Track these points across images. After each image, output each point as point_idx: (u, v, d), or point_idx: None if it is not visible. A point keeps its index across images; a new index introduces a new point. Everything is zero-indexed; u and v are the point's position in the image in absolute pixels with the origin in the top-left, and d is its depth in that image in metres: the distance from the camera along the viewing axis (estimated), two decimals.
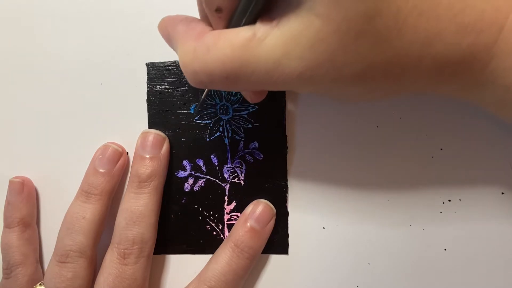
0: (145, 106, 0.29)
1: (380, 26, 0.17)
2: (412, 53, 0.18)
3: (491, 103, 0.20)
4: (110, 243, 0.26)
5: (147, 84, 0.29)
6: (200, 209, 0.28)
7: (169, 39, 0.22)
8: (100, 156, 0.28)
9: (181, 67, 0.20)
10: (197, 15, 0.22)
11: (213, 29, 0.20)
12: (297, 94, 0.28)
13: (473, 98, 0.21)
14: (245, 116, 0.28)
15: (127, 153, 0.29)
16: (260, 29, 0.18)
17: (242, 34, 0.18)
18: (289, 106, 0.28)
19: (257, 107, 0.28)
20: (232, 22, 0.19)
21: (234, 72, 0.18)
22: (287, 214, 0.28)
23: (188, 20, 0.21)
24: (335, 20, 0.16)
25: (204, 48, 0.19)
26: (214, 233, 0.28)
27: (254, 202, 0.27)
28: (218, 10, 0.19)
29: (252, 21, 0.19)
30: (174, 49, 0.22)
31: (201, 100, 0.27)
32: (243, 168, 0.28)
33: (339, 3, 0.16)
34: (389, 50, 0.17)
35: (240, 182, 0.28)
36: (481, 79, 0.19)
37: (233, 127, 0.28)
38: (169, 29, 0.22)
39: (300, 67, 0.17)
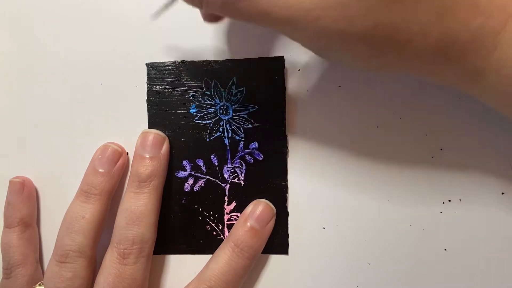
0: (145, 106, 0.29)
1: None
2: (423, 22, 0.17)
3: (493, 96, 0.20)
4: (110, 243, 0.26)
5: (147, 84, 0.29)
6: (200, 209, 0.28)
7: None
8: (100, 156, 0.28)
9: None
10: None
11: None
12: (297, 95, 0.28)
13: (475, 89, 0.20)
14: (245, 116, 0.28)
15: (127, 153, 0.29)
16: None
17: None
18: (289, 106, 0.28)
19: (257, 107, 0.28)
20: None
21: None
22: (287, 214, 0.28)
23: None
24: None
25: None
26: (214, 233, 0.28)
27: (254, 202, 0.27)
28: None
29: None
30: None
31: (160, 9, 0.25)
32: (243, 168, 0.28)
33: None
34: (403, 13, 0.17)
35: (240, 182, 0.28)
36: (485, 67, 0.18)
37: (233, 127, 0.28)
38: None
39: (310, 2, 0.17)
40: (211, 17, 0.24)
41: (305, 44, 0.20)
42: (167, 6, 0.24)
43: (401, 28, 0.17)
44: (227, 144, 0.28)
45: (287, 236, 0.28)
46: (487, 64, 0.18)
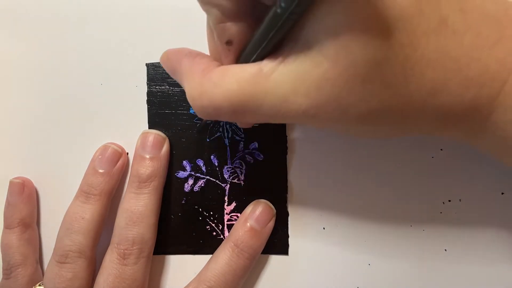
0: (145, 106, 0.29)
1: (387, 73, 0.17)
2: (416, 101, 0.18)
3: (491, 150, 0.21)
4: (110, 243, 0.26)
5: (147, 85, 0.29)
6: (200, 209, 0.28)
7: (174, 73, 0.23)
8: (100, 157, 0.28)
9: (189, 101, 0.20)
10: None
11: (222, 62, 0.21)
12: None
13: (474, 144, 0.21)
14: None
15: (127, 153, 0.29)
16: (266, 65, 0.18)
17: (248, 69, 0.19)
18: None
19: None
20: (242, 57, 0.19)
21: (241, 106, 0.19)
22: (287, 214, 0.28)
23: (193, 54, 0.22)
24: (342, 63, 0.17)
25: (211, 83, 0.19)
26: (214, 233, 0.28)
27: (254, 202, 0.27)
28: (229, 42, 0.19)
29: (261, 58, 0.19)
30: (179, 82, 0.22)
31: (203, 124, 0.28)
32: (243, 168, 0.28)
33: (348, 48, 0.16)
34: (394, 97, 0.18)
35: (240, 183, 0.28)
36: (482, 129, 0.19)
37: (233, 127, 0.28)
38: (173, 63, 0.22)
39: (306, 104, 0.18)
40: (242, 125, 0.27)
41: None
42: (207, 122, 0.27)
43: (395, 110, 0.18)
44: (227, 144, 0.28)
45: (287, 236, 0.28)
46: (484, 127, 0.19)
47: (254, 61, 0.19)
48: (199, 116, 0.20)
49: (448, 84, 0.18)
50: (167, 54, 0.23)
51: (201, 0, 0.19)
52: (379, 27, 0.16)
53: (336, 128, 0.21)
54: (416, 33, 0.17)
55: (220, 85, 0.19)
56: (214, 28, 0.19)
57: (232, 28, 0.19)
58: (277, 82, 0.18)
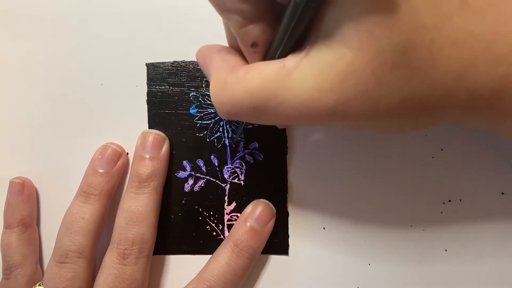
0: (145, 106, 0.29)
1: (414, 58, 0.16)
2: (446, 85, 0.17)
3: None
4: (109, 243, 0.26)
5: (147, 85, 0.29)
6: (200, 209, 0.28)
7: (205, 68, 0.22)
8: (100, 157, 0.28)
9: (211, 96, 0.20)
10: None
11: (248, 63, 0.20)
12: None
13: (501, 129, 0.20)
14: None
15: (127, 153, 0.29)
16: (289, 60, 0.18)
17: (272, 65, 0.18)
18: None
19: None
20: (268, 55, 0.19)
21: (261, 103, 0.18)
22: (287, 214, 0.28)
23: (224, 51, 0.21)
24: (368, 52, 0.16)
25: (234, 79, 0.19)
26: (214, 233, 0.28)
27: (254, 202, 0.27)
28: (254, 45, 0.19)
29: (285, 54, 0.18)
30: (208, 78, 0.22)
31: (237, 133, 0.28)
32: (243, 168, 0.28)
33: (372, 35, 0.16)
34: (424, 82, 0.17)
35: (240, 183, 0.28)
36: None
37: (233, 127, 0.28)
38: (205, 58, 0.22)
39: (332, 100, 0.17)
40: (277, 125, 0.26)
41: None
42: (241, 128, 0.27)
43: (426, 96, 0.17)
44: (227, 144, 0.28)
45: (287, 236, 0.28)
46: None
47: (280, 57, 0.18)
48: (220, 115, 0.20)
49: (476, 64, 0.17)
50: (201, 50, 0.23)
51: (220, 9, 0.18)
52: (402, 11, 0.16)
53: (363, 125, 0.19)
54: (439, 15, 0.16)
55: (242, 80, 0.18)
56: (237, 34, 0.19)
57: (255, 30, 0.18)
58: (300, 78, 0.17)
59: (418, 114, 0.18)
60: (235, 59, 0.20)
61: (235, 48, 0.22)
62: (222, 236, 0.28)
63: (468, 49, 0.17)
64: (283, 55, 0.18)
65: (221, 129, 0.28)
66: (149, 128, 0.28)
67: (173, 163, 0.28)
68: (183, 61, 0.28)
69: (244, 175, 0.28)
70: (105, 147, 0.28)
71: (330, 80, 0.17)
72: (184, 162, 0.28)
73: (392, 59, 0.16)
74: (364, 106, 0.17)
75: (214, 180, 0.28)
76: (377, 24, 0.16)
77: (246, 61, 0.20)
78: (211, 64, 0.21)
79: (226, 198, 0.28)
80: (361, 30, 0.16)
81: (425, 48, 0.16)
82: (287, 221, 0.28)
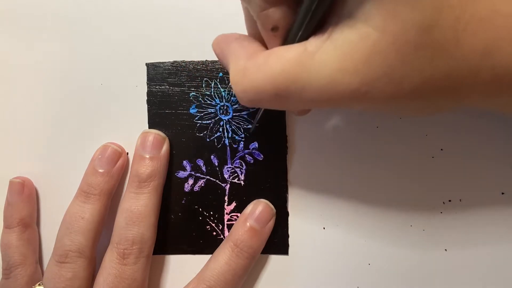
0: (145, 106, 0.29)
1: (438, 37, 0.16)
2: (471, 64, 0.17)
3: None
4: (109, 243, 0.26)
5: (147, 84, 0.29)
6: (200, 209, 0.28)
7: (223, 57, 0.22)
8: (100, 156, 0.28)
9: (232, 85, 0.19)
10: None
11: (268, 48, 0.20)
12: None
13: None
14: (245, 116, 0.28)
15: (127, 153, 0.29)
16: (311, 43, 0.17)
17: (293, 49, 0.18)
18: None
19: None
20: (288, 39, 0.19)
21: (284, 88, 0.18)
22: (287, 214, 0.28)
23: (242, 38, 0.21)
24: (392, 31, 0.16)
25: (255, 66, 0.18)
26: (214, 233, 0.28)
27: (254, 202, 0.27)
28: (274, 28, 0.19)
29: (307, 37, 0.18)
30: (226, 67, 0.22)
31: (255, 121, 0.27)
32: (243, 168, 0.28)
33: (396, 15, 0.15)
34: (449, 62, 0.17)
35: (240, 183, 0.28)
36: None
37: (233, 127, 0.28)
38: (223, 47, 0.22)
39: (356, 82, 0.17)
40: (298, 112, 0.25)
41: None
42: (258, 115, 0.27)
43: (450, 76, 0.17)
44: (227, 144, 0.28)
45: (287, 236, 0.28)
46: None
47: (300, 41, 0.18)
48: (241, 103, 0.19)
49: (500, 43, 0.17)
50: (218, 39, 0.22)
51: None
52: None
53: (384, 107, 0.19)
54: None
55: (264, 66, 0.18)
56: (257, 18, 0.19)
57: (276, 13, 0.18)
58: (322, 60, 0.17)
59: (441, 95, 0.18)
60: (254, 46, 0.20)
61: (253, 36, 0.21)
62: (222, 236, 0.28)
63: (493, 27, 0.16)
64: (304, 38, 0.18)
65: (221, 129, 0.28)
66: (149, 128, 0.28)
67: (173, 163, 0.28)
68: (183, 61, 0.28)
69: (244, 175, 0.28)
70: (105, 147, 0.28)
71: (355, 61, 0.16)
72: (184, 162, 0.28)
73: (416, 39, 0.16)
74: (387, 87, 0.17)
75: (214, 180, 0.28)
76: (400, 3, 0.15)
77: (265, 48, 0.20)
78: (229, 53, 0.21)
79: (226, 198, 0.28)
80: (385, 9, 0.15)
81: (450, 27, 0.16)
82: (287, 221, 0.28)
